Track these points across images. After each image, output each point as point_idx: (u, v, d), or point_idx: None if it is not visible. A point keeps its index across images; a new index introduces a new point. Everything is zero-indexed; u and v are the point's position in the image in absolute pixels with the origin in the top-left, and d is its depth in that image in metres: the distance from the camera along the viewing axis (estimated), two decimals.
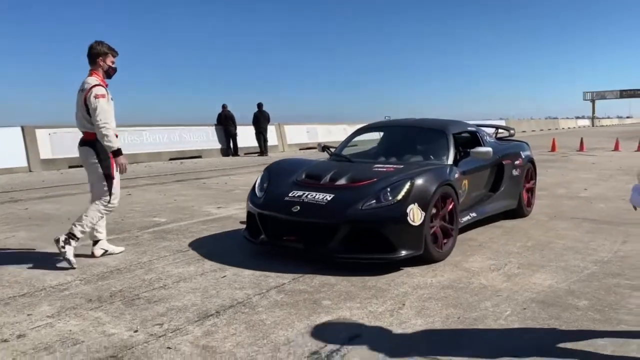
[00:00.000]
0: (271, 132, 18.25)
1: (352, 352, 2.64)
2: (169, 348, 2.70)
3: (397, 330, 2.92)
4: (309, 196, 4.29)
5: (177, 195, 8.15)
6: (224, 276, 3.90)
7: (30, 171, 11.78)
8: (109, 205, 4.34)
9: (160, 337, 2.84)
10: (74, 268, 4.10)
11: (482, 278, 3.85)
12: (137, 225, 5.81)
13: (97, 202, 4.31)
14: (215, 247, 4.76)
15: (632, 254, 4.46)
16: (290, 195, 4.38)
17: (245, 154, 17.18)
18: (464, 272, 4.01)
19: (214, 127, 16.98)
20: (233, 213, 6.48)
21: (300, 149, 18.55)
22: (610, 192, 7.94)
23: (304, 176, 4.74)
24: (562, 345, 2.71)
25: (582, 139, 18.73)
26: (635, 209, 2.75)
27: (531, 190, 6.41)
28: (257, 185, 4.81)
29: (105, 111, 4.14)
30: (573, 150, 17.11)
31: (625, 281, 3.73)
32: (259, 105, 17.32)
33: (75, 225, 4.24)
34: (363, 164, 5.08)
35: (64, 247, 4.14)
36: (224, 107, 16.99)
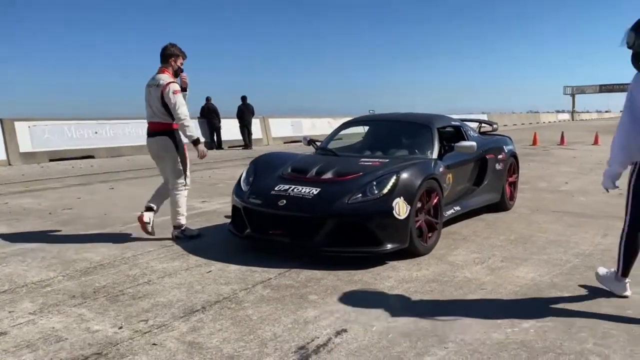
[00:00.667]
0: (256, 125, 18.15)
1: (338, 346, 2.65)
2: (155, 344, 2.68)
3: (383, 324, 2.93)
4: (295, 190, 4.28)
5: None
6: (210, 271, 3.88)
7: (10, 165, 11.56)
8: (187, 186, 4.99)
9: (145, 333, 2.82)
10: (200, 235, 4.88)
11: (467, 271, 3.89)
12: (120, 220, 5.74)
13: (176, 188, 4.91)
14: (200, 242, 4.73)
15: (612, 247, 4.52)
16: (276, 189, 4.36)
17: (230, 147, 17.07)
18: (449, 265, 4.05)
19: (197, 120, 16.82)
20: (217, 207, 6.45)
21: (284, 143, 18.49)
22: (590, 186, 8.07)
23: (290, 170, 4.72)
24: (546, 338, 2.75)
25: (562, 133, 18.99)
26: (608, 191, 3.31)
27: (514, 184, 6.49)
28: (242, 179, 4.79)
29: (183, 105, 4.67)
30: (554, 144, 17.33)
31: None
32: (243, 98, 17.21)
33: (176, 219, 4.87)
34: (349, 158, 5.08)
35: (183, 236, 4.83)
36: (207, 99, 16.84)
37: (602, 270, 3.51)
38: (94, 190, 8.00)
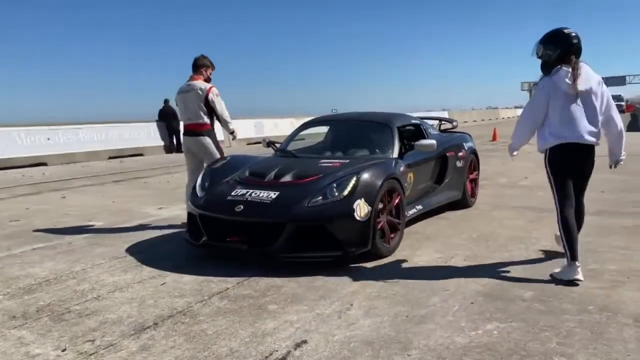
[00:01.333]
0: (217, 126, 17.84)
1: None
2: None
3: (345, 332, 2.83)
4: (252, 195, 4.13)
5: (116, 197, 7.76)
6: (164, 283, 3.69)
7: None
8: None
9: (91, 354, 2.62)
10: None
11: (430, 272, 3.82)
12: (70, 231, 5.46)
13: None
14: (155, 252, 4.52)
15: None
16: (233, 194, 4.21)
17: None
18: (412, 266, 3.98)
19: (155, 123, 16.42)
20: (175, 214, 6.23)
21: (247, 144, 18.21)
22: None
23: (247, 174, 4.57)
24: (510, 339, 2.70)
25: None
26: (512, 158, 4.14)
27: (474, 181, 6.51)
28: (198, 185, 4.60)
29: (225, 107, 5.35)
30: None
31: None
32: None
33: None
34: (309, 160, 4.97)
35: None
36: (165, 102, 16.45)
37: (562, 274, 3.60)
38: (45, 200, 7.64)
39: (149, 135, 16.13)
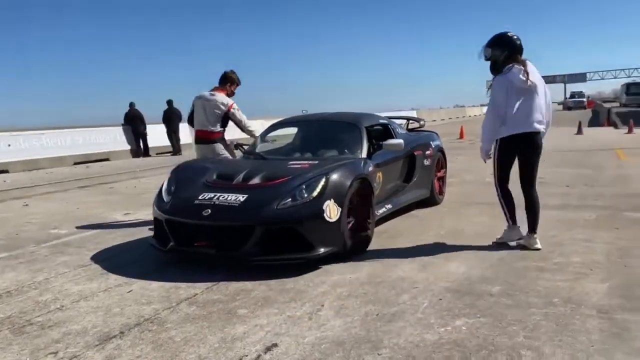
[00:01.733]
0: (184, 129, 17.59)
1: None
2: None
3: (316, 334, 2.81)
4: (220, 198, 4.08)
5: (81, 203, 7.57)
6: (130, 291, 3.61)
7: None
8: None
9: None
10: None
11: (399, 270, 3.85)
12: (33, 239, 5.29)
13: None
14: (121, 259, 4.42)
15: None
16: (200, 198, 4.14)
17: (157, 153, 16.44)
18: (382, 265, 3.99)
19: (121, 127, 16.08)
20: (142, 219, 6.10)
21: None
22: (514, 175, 8.33)
23: (215, 177, 4.51)
24: (478, 335, 2.73)
25: None
26: (485, 161, 4.52)
27: (442, 179, 6.58)
28: (164, 189, 4.52)
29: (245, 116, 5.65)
30: (480, 137, 17.97)
31: (533, 263, 3.88)
32: (169, 103, 16.60)
33: None
34: (277, 161, 4.95)
35: None
36: (131, 105, 16.13)
37: (505, 237, 4.43)
38: (6, 208, 7.39)
39: (115, 139, 15.79)
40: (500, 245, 4.38)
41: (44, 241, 5.20)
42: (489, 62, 4.31)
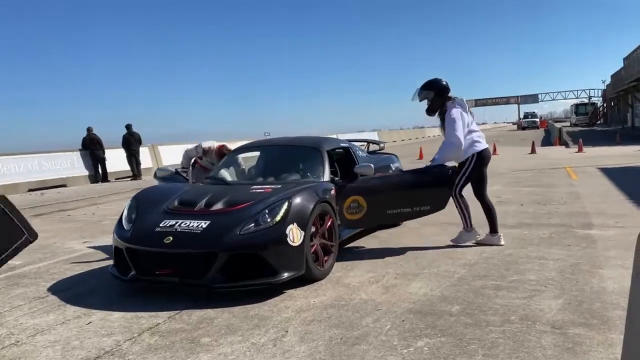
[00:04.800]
0: (145, 153, 17.37)
1: None
2: None
3: None
4: (182, 225, 4.05)
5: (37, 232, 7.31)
6: (90, 322, 3.52)
7: None
8: None
9: None
10: None
11: (362, 293, 3.90)
12: None
13: None
14: (79, 289, 4.31)
15: (494, 254, 4.82)
16: (161, 225, 4.10)
17: (117, 178, 16.14)
18: (345, 288, 4.04)
19: (78, 152, 15.72)
20: (101, 247, 5.96)
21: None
22: (472, 195, 8.58)
23: (176, 203, 4.48)
24: (439, 355, 2.79)
25: None
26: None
27: None
28: (124, 217, 4.45)
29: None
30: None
31: (491, 282, 4.00)
32: (128, 127, 16.39)
33: None
34: (240, 186, 4.96)
35: None
36: (88, 130, 15.82)
37: (463, 238, 5.17)
38: None
39: (73, 165, 15.42)
40: (454, 245, 5.14)
41: None
42: (424, 102, 5.16)
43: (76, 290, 4.28)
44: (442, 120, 5.12)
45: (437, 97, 5.09)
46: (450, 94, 5.12)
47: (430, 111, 5.19)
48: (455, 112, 4.98)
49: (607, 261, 4.42)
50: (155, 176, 5.97)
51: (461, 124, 4.95)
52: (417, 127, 58.14)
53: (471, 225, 5.15)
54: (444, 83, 5.13)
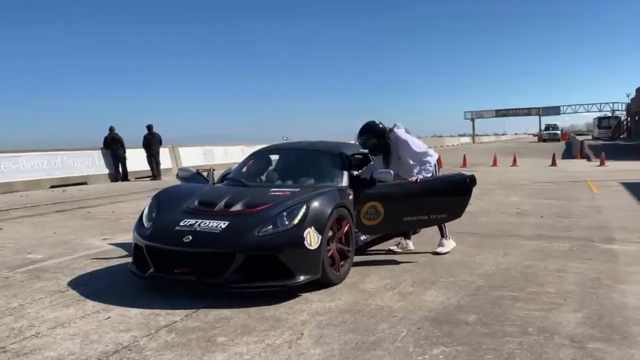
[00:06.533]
0: (165, 154, 17.55)
1: None
2: None
3: None
4: (202, 224, 4.09)
5: (58, 228, 7.46)
6: (108, 317, 3.57)
7: None
8: None
9: None
10: None
11: (379, 299, 3.89)
12: (7, 265, 5.20)
13: None
14: (99, 285, 4.37)
15: (512, 265, 4.78)
16: (181, 224, 4.15)
17: (137, 178, 16.32)
18: (361, 293, 4.03)
19: (100, 151, 15.96)
20: (120, 244, 6.04)
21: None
22: (491, 206, 8.54)
23: (196, 203, 4.53)
24: None
25: (464, 155, 20.15)
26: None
27: None
28: (144, 215, 4.51)
29: None
30: (457, 166, 18.31)
31: (508, 293, 3.97)
32: (149, 127, 16.59)
33: None
34: (259, 188, 4.98)
35: None
36: (111, 129, 16.05)
37: (441, 250, 5.30)
38: None
39: (94, 163, 15.66)
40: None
41: (19, 266, 5.11)
42: (368, 146, 5.36)
43: (95, 286, 4.35)
44: (388, 153, 5.33)
45: (376, 138, 5.30)
46: (385, 134, 5.31)
47: (377, 152, 5.41)
48: (402, 133, 5.32)
49: (628, 276, 4.35)
50: (177, 176, 6.04)
51: (413, 138, 5.36)
52: (435, 136, 57.91)
53: (447, 236, 5.45)
54: (380, 126, 5.32)
